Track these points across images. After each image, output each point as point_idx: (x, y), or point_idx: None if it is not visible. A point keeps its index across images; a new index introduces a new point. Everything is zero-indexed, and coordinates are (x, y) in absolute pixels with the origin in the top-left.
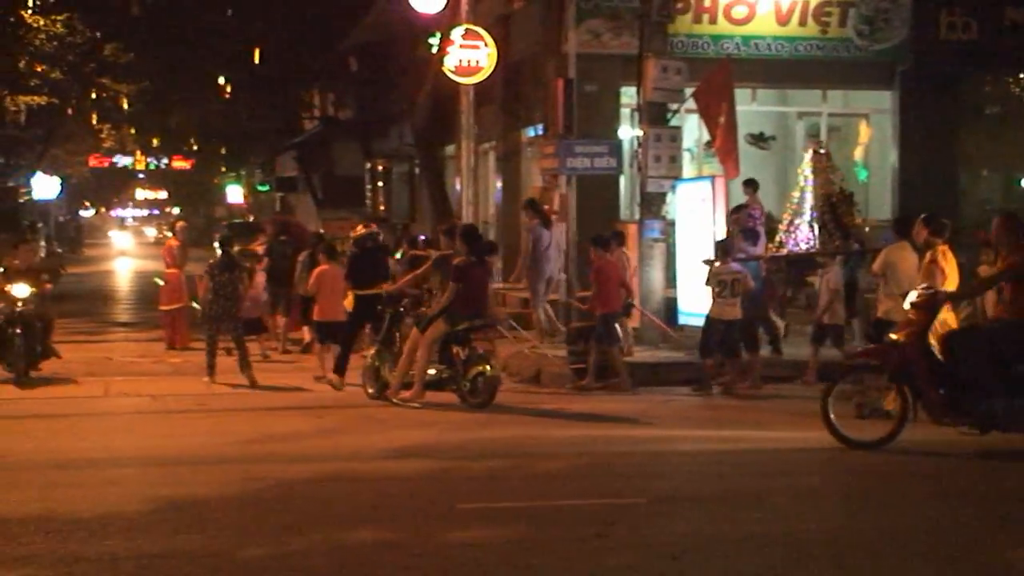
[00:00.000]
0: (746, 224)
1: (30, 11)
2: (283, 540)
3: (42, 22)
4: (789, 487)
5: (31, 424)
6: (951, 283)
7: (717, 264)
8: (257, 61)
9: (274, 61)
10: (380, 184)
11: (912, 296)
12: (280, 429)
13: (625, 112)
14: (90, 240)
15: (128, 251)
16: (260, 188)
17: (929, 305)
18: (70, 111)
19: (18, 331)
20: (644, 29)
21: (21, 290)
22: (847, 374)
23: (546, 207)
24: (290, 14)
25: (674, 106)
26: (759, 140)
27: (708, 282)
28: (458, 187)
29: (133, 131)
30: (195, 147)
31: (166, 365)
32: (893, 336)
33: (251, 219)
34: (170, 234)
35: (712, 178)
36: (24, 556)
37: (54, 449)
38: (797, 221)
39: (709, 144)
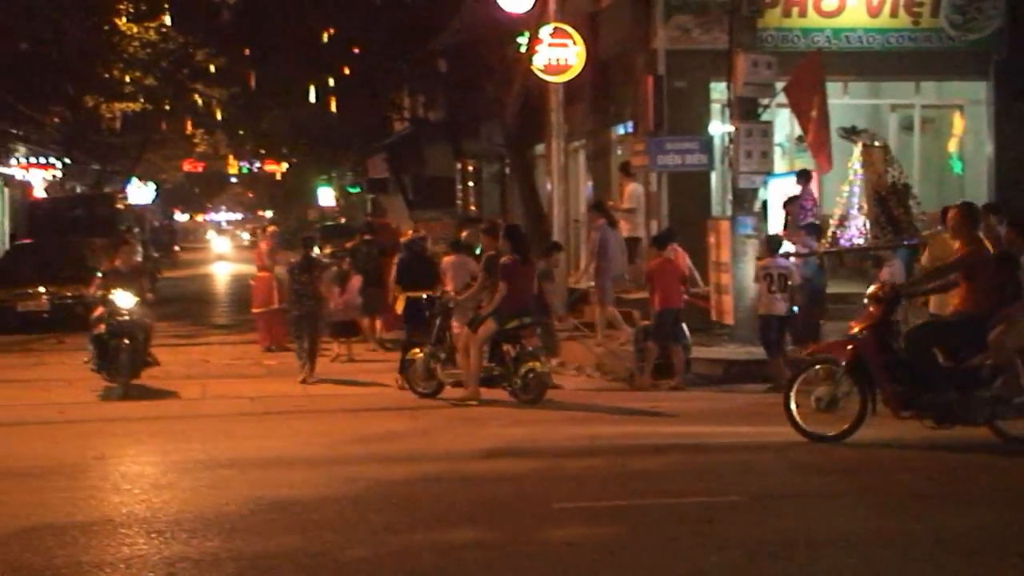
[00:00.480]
0: (798, 216)
1: (124, 18)
2: (384, 540)
3: (136, 29)
4: (887, 484)
5: (131, 427)
6: None
7: (766, 259)
8: (347, 65)
9: (364, 64)
10: (471, 184)
11: (870, 289)
12: (375, 429)
13: (715, 108)
14: (186, 244)
15: (226, 255)
16: (351, 190)
17: (885, 298)
18: (163, 123)
19: (125, 342)
20: (733, 24)
21: (125, 299)
22: (808, 368)
23: (610, 203)
24: (379, 17)
25: (765, 101)
26: (851, 133)
27: (756, 278)
28: (548, 186)
29: (226, 137)
30: (286, 150)
31: (262, 367)
32: (854, 328)
33: (343, 221)
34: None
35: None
36: (127, 556)
37: (154, 451)
38: (847, 216)
39: (801, 139)
